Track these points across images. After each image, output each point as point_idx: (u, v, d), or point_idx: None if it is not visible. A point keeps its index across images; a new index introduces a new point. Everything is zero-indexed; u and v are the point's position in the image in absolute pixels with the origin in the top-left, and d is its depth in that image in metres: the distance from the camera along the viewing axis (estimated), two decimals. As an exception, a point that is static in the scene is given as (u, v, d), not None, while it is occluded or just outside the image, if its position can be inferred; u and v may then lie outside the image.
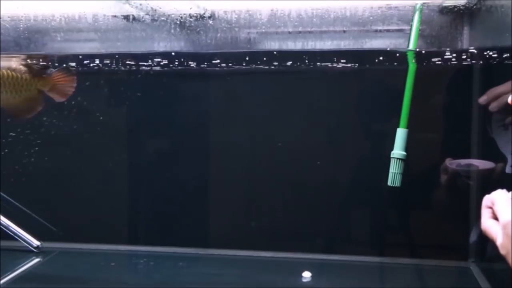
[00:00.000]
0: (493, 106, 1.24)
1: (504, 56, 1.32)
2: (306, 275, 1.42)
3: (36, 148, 1.69)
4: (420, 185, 1.52)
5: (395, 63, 1.45)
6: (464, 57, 1.42)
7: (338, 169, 1.60)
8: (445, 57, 1.41)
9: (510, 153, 1.30)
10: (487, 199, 0.87)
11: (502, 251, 0.79)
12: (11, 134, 1.67)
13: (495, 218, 0.84)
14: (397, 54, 1.41)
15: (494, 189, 0.88)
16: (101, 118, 1.68)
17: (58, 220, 1.70)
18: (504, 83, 1.22)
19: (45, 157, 1.69)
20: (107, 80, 1.68)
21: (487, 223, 0.85)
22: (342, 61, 1.48)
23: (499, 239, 0.80)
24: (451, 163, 1.39)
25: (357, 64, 1.50)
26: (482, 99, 1.27)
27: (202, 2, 1.41)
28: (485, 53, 1.39)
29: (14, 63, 1.20)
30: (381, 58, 1.44)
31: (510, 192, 0.85)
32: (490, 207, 0.86)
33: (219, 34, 1.49)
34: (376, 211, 1.61)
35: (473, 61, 1.45)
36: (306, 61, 1.51)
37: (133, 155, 1.73)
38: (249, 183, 1.68)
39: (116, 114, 1.69)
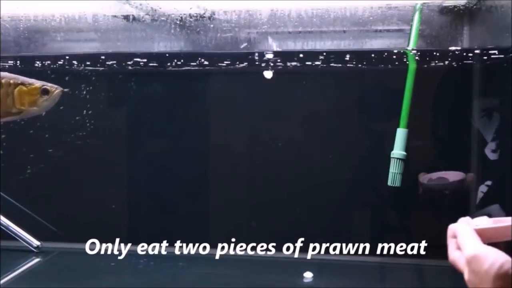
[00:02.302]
0: None
1: (504, 55, 1.32)
2: (308, 275, 1.42)
3: (36, 149, 1.69)
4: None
5: (395, 63, 1.45)
6: (464, 56, 1.42)
7: (338, 169, 1.60)
8: (445, 56, 1.41)
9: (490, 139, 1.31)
10: (450, 230, 0.83)
11: (470, 286, 0.74)
12: (11, 135, 1.67)
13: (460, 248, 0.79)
14: (397, 54, 1.41)
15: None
16: (101, 118, 1.68)
17: (58, 220, 1.70)
18: None
19: (46, 158, 1.70)
20: (106, 80, 1.68)
21: (453, 255, 0.80)
22: (342, 61, 1.48)
23: (465, 275, 0.75)
24: (423, 178, 1.40)
25: (357, 64, 1.50)
26: None
27: (202, 2, 1.41)
28: (485, 52, 1.39)
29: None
30: (381, 58, 1.44)
31: (474, 220, 0.81)
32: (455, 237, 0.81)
33: (219, 34, 1.49)
34: (376, 211, 1.61)
35: (473, 61, 1.45)
36: (306, 61, 1.51)
37: (134, 156, 1.73)
38: (250, 183, 1.68)
39: (115, 114, 1.69)
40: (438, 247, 1.52)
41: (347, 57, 1.47)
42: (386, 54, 1.44)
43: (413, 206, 1.58)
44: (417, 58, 1.37)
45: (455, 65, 1.45)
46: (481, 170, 1.47)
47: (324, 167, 1.60)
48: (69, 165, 1.70)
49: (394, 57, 1.42)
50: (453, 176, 1.41)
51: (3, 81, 1.13)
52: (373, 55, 1.45)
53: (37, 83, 1.15)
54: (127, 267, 1.55)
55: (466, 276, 0.75)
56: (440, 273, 1.50)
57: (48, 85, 1.16)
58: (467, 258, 0.75)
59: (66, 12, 1.50)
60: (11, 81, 1.14)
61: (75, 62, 1.58)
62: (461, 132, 1.53)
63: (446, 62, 1.43)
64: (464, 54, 1.41)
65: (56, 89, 1.16)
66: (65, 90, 1.17)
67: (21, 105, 1.15)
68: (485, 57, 1.42)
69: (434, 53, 1.39)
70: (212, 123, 1.68)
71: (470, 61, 1.45)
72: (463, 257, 0.76)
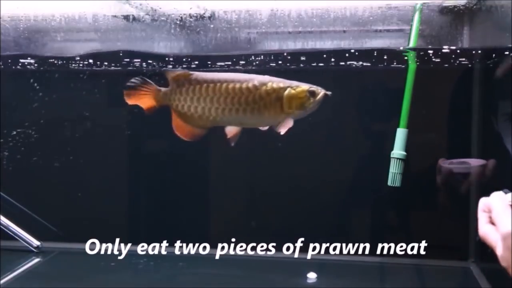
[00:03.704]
0: None
1: (503, 55, 1.32)
2: (312, 276, 1.42)
3: (37, 149, 1.69)
4: (421, 185, 1.52)
5: (395, 63, 1.45)
6: (464, 56, 1.42)
7: (338, 169, 1.60)
8: (445, 57, 1.41)
9: None
10: (483, 204, 0.82)
11: (503, 263, 0.75)
12: (11, 135, 1.68)
13: (493, 223, 0.78)
14: (397, 54, 1.41)
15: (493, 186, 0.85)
16: (101, 118, 1.68)
17: (58, 220, 1.70)
18: None
19: (46, 158, 1.70)
20: (106, 81, 1.68)
21: (484, 228, 0.79)
22: (342, 60, 1.48)
23: (499, 250, 0.75)
24: (444, 162, 1.40)
25: (356, 64, 1.50)
26: None
27: (202, 2, 1.41)
28: (485, 52, 1.39)
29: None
30: (381, 58, 1.44)
31: (508, 195, 0.79)
32: (487, 211, 0.80)
33: (219, 34, 1.49)
34: (376, 211, 1.61)
35: (473, 61, 1.45)
36: (305, 61, 1.51)
37: (134, 157, 1.72)
38: (250, 183, 1.68)
39: (115, 115, 1.69)
40: (438, 247, 1.54)
41: (347, 56, 1.47)
42: (386, 53, 1.43)
43: (413, 206, 1.58)
44: (417, 58, 1.37)
45: (455, 65, 1.45)
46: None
47: (324, 167, 1.60)
48: (69, 165, 1.70)
49: (394, 57, 1.42)
50: (474, 161, 1.41)
51: (274, 85, 1.08)
52: (373, 55, 1.45)
53: (304, 85, 1.10)
54: (127, 267, 1.55)
55: (500, 252, 0.75)
56: (440, 273, 1.50)
57: (313, 87, 1.10)
58: (503, 234, 0.75)
59: (66, 12, 1.50)
60: (281, 84, 1.08)
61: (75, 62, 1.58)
62: (461, 131, 1.53)
63: (446, 62, 1.43)
64: (464, 54, 1.41)
65: (321, 91, 1.10)
66: (329, 93, 1.10)
67: (289, 108, 1.10)
68: (485, 57, 1.42)
69: (434, 53, 1.39)
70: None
71: (470, 61, 1.45)
72: (498, 232, 0.76)
